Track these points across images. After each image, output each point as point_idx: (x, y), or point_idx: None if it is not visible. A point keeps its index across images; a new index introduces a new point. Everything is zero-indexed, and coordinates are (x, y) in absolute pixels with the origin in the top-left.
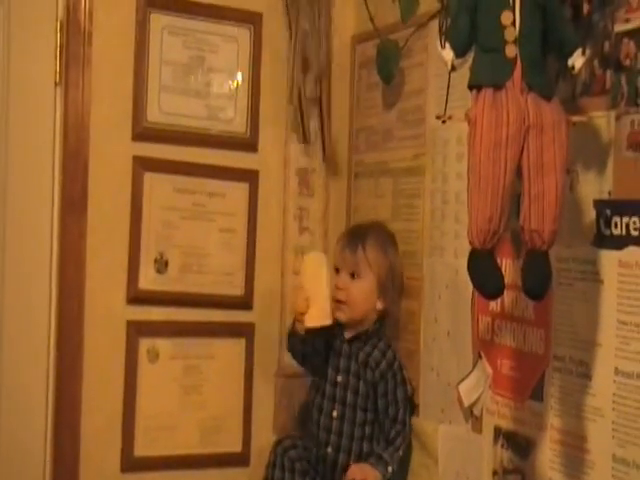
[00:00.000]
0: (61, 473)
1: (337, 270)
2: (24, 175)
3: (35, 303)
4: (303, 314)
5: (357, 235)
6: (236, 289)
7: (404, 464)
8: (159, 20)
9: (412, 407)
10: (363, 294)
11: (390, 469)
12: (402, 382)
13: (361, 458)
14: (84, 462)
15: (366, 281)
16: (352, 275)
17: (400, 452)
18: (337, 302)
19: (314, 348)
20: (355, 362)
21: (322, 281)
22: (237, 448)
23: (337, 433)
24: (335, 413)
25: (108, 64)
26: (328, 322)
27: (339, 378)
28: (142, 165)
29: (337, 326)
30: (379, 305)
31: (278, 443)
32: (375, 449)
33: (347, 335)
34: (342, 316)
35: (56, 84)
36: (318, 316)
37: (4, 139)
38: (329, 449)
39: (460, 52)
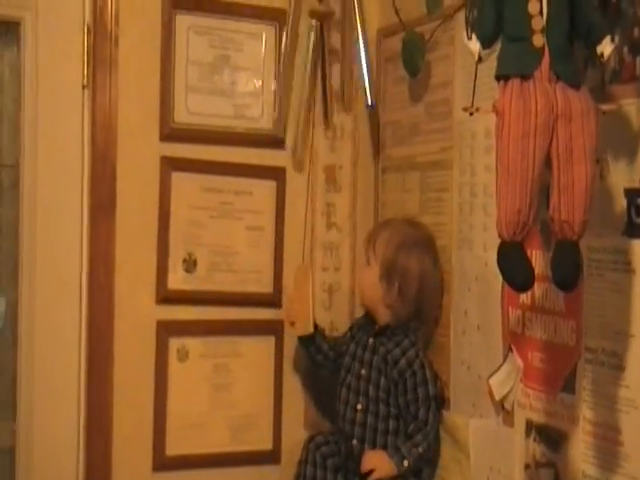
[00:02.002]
0: (93, 473)
1: None
2: (53, 178)
3: (65, 305)
4: (292, 323)
5: (378, 227)
6: (265, 287)
7: (433, 462)
8: (184, 21)
9: (438, 404)
10: (367, 281)
11: (406, 463)
12: (423, 381)
13: (387, 449)
14: (116, 462)
15: (372, 270)
16: (368, 262)
17: (420, 449)
18: None
19: (325, 356)
20: (377, 356)
21: (306, 293)
22: (268, 446)
23: (361, 425)
24: (360, 406)
25: (135, 66)
26: (309, 331)
27: (363, 371)
28: (169, 165)
29: (367, 321)
30: (387, 299)
31: (310, 439)
32: (395, 442)
33: (372, 330)
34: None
35: (84, 87)
36: (300, 326)
37: (34, 142)
38: (354, 441)
39: (487, 43)
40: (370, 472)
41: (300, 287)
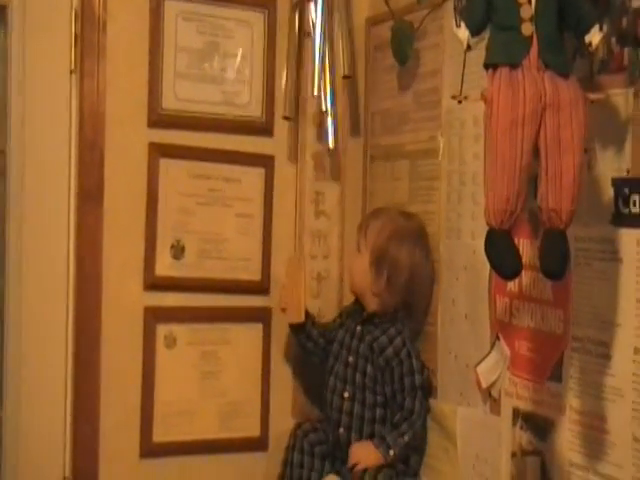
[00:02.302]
0: (80, 459)
1: None
2: (40, 165)
3: (53, 292)
4: (284, 310)
5: (370, 215)
6: (253, 274)
7: (420, 450)
8: (173, 6)
9: (425, 394)
10: (357, 268)
11: (392, 452)
12: (410, 371)
13: (373, 438)
14: (103, 448)
15: (362, 257)
16: (358, 250)
17: (405, 438)
18: None
19: (315, 343)
20: (364, 344)
21: (298, 283)
22: (255, 433)
23: (348, 413)
24: (346, 394)
25: (123, 52)
26: (300, 319)
27: (350, 359)
28: (158, 151)
29: (355, 309)
30: (375, 287)
31: (298, 426)
32: (381, 431)
33: (360, 317)
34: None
35: (71, 72)
36: (292, 314)
37: (21, 129)
38: (341, 429)
39: (475, 31)
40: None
41: (292, 276)
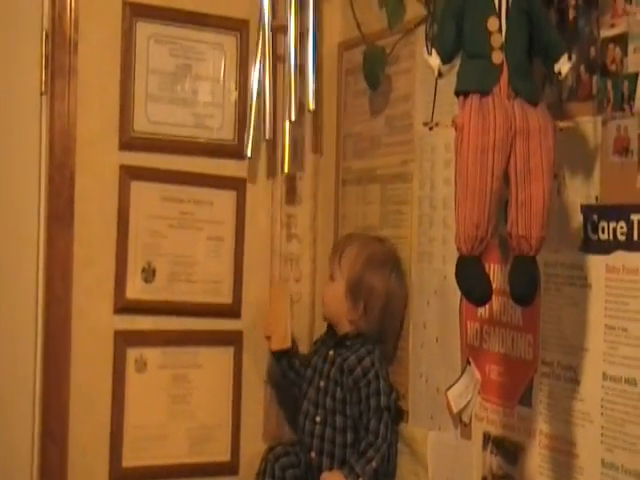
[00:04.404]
0: None
1: None
2: (9, 186)
3: (21, 314)
4: (268, 338)
5: (342, 241)
6: (224, 297)
7: (391, 475)
8: (145, 29)
9: (395, 416)
10: (332, 296)
11: None
12: (376, 392)
13: (344, 464)
14: (72, 473)
15: (337, 285)
16: (331, 277)
17: (373, 464)
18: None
19: (297, 373)
20: (334, 367)
21: (283, 309)
22: (226, 457)
23: (320, 437)
24: (318, 418)
25: (94, 73)
26: (287, 345)
27: (322, 383)
28: (129, 174)
29: (329, 333)
30: (350, 316)
31: (269, 450)
32: (349, 459)
33: (332, 341)
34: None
35: (42, 94)
36: (278, 341)
37: None
38: (313, 454)
39: (447, 58)
40: None
41: (276, 302)
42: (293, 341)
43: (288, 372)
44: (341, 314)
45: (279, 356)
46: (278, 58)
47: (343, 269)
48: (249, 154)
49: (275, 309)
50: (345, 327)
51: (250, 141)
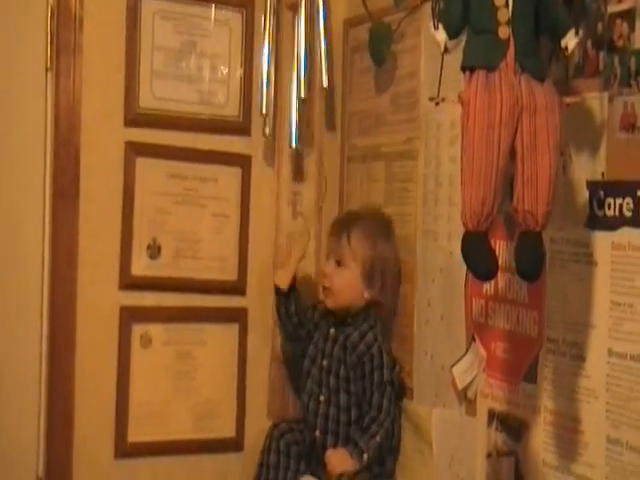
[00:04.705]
0: (54, 460)
1: (327, 256)
2: (14, 163)
3: (27, 291)
4: (277, 268)
5: (345, 223)
6: (229, 274)
7: (395, 452)
8: (150, 5)
9: (397, 391)
10: (346, 283)
11: (366, 457)
12: (379, 366)
13: (349, 441)
14: (77, 449)
15: (350, 270)
16: (338, 263)
17: (377, 438)
18: (323, 288)
19: (289, 315)
20: (337, 346)
21: (296, 251)
22: (231, 433)
23: (324, 416)
24: (322, 397)
25: (99, 50)
26: (284, 286)
27: (324, 362)
28: (134, 150)
29: (328, 311)
30: (366, 295)
31: (274, 427)
32: (353, 435)
33: (333, 319)
34: (329, 303)
35: (47, 70)
36: (279, 277)
37: None
38: (317, 432)
39: (453, 33)
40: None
41: (295, 242)
42: (293, 286)
43: (282, 310)
44: (356, 297)
45: (279, 292)
46: (286, 36)
47: (356, 253)
48: (267, 132)
49: (289, 247)
50: (355, 308)
51: (267, 120)
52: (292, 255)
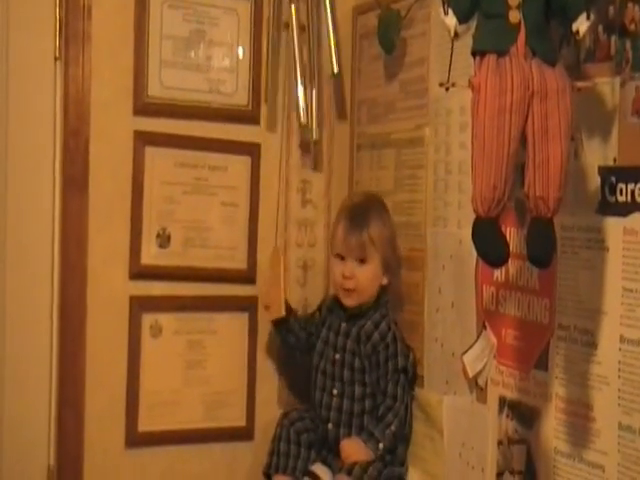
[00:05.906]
0: (65, 447)
1: (341, 257)
2: (24, 152)
3: (37, 280)
4: (267, 307)
5: (359, 218)
6: (239, 263)
7: (406, 439)
8: None
9: (411, 379)
10: (370, 278)
11: (381, 446)
12: (394, 354)
13: (362, 431)
14: (88, 438)
15: (373, 264)
16: (360, 261)
17: (393, 427)
18: (345, 290)
19: (297, 337)
20: (350, 339)
21: (278, 277)
22: (241, 422)
23: (337, 410)
24: (335, 391)
25: (108, 39)
26: (281, 314)
27: (337, 356)
28: (143, 139)
29: (337, 306)
30: (384, 281)
31: (285, 415)
32: (368, 425)
33: (347, 313)
34: (350, 302)
35: (56, 59)
36: (274, 310)
37: (4, 115)
38: (330, 425)
39: (463, 18)
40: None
41: (273, 270)
42: (290, 308)
43: (288, 337)
44: (376, 288)
45: (278, 324)
46: (294, 24)
47: (377, 244)
48: (315, 136)
49: (272, 277)
50: (371, 299)
51: (314, 124)
52: (276, 283)
